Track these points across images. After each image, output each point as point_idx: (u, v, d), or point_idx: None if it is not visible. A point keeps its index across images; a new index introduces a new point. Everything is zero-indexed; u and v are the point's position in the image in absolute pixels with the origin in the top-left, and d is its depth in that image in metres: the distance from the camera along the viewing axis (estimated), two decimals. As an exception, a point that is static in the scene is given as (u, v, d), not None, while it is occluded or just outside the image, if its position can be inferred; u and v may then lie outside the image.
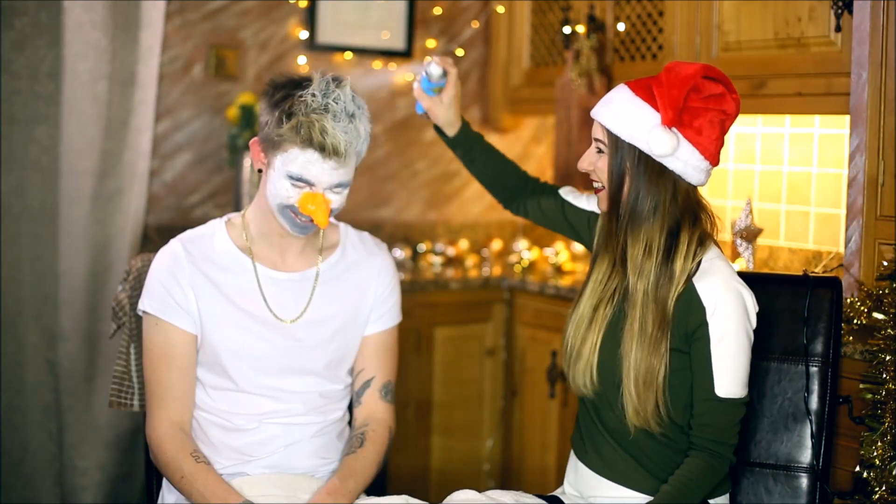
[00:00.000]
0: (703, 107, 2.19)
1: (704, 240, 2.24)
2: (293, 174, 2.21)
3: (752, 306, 2.21)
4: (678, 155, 2.18)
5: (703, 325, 2.17)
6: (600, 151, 2.26)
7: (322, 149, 2.18)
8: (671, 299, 2.19)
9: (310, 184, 2.21)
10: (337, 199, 2.25)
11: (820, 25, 3.01)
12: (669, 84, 2.17)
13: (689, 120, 2.18)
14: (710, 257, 2.23)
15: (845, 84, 2.85)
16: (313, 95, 2.19)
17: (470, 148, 2.56)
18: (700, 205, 2.26)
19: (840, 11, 2.88)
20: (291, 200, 2.23)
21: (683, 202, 2.22)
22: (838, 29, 2.92)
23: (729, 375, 2.18)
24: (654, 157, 2.18)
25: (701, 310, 2.18)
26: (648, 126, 2.17)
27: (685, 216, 2.22)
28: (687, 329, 2.20)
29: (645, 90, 2.21)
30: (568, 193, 2.51)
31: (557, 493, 2.41)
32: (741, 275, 2.27)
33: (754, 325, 2.21)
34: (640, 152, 2.19)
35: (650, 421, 2.20)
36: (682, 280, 2.19)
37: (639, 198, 2.21)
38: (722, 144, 2.22)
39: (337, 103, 2.20)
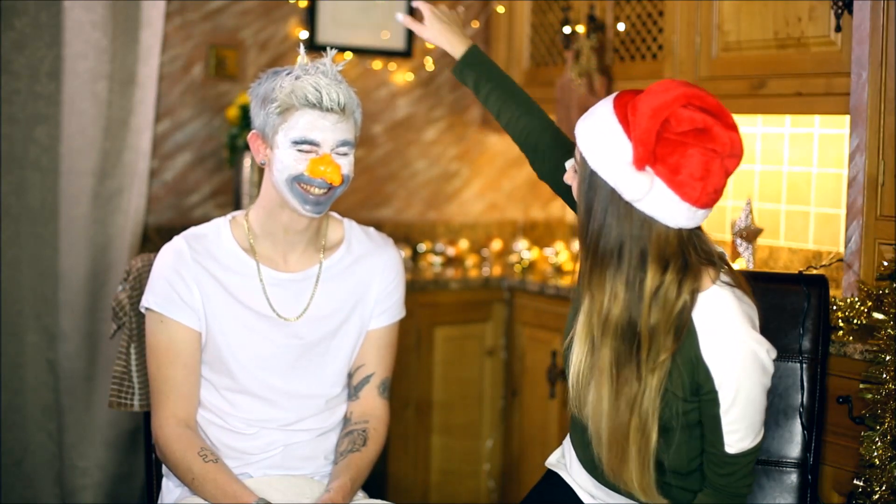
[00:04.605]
0: (681, 141, 1.87)
1: (697, 274, 1.96)
2: (297, 139, 2.22)
3: (768, 358, 1.96)
4: (651, 197, 1.89)
5: (712, 392, 1.96)
6: (576, 171, 2.01)
7: (319, 103, 2.21)
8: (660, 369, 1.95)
9: (315, 144, 2.22)
10: (345, 163, 2.26)
11: (820, 25, 3.01)
12: (642, 114, 1.86)
13: (664, 155, 1.87)
14: (712, 293, 1.97)
15: (845, 84, 2.85)
16: (298, 69, 2.26)
17: (479, 82, 2.38)
18: (688, 246, 1.95)
19: (840, 11, 2.88)
20: (301, 168, 2.22)
21: (657, 246, 1.92)
22: (838, 29, 2.92)
23: (741, 436, 1.98)
24: (623, 198, 1.91)
25: (708, 378, 1.95)
26: (619, 163, 1.89)
27: (658, 261, 1.93)
28: (692, 386, 1.98)
29: (625, 109, 1.92)
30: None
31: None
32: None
33: (772, 372, 1.98)
34: (610, 188, 1.91)
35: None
36: (668, 338, 1.94)
37: (601, 237, 1.94)
38: (714, 184, 1.89)
39: (320, 68, 2.27)
